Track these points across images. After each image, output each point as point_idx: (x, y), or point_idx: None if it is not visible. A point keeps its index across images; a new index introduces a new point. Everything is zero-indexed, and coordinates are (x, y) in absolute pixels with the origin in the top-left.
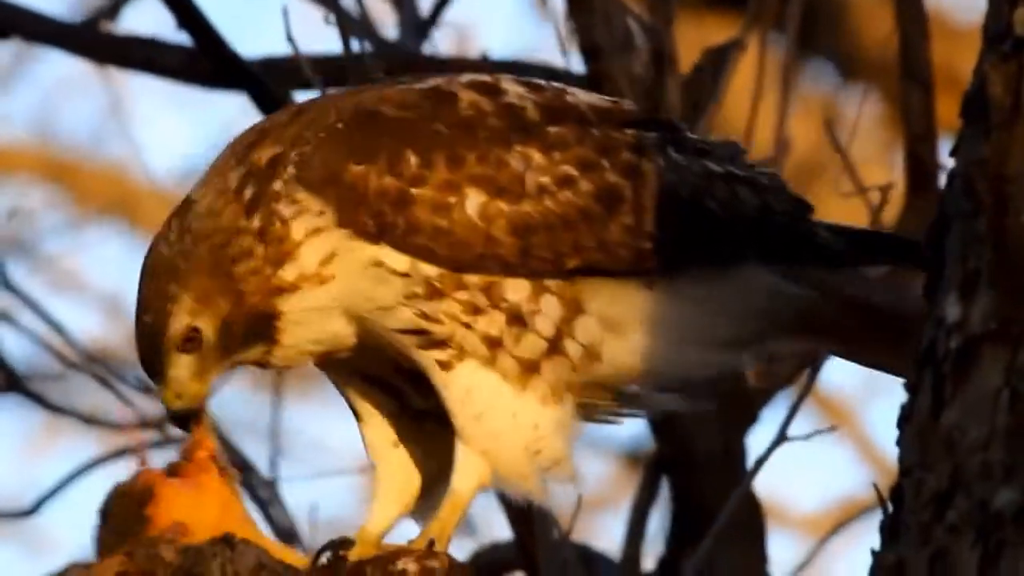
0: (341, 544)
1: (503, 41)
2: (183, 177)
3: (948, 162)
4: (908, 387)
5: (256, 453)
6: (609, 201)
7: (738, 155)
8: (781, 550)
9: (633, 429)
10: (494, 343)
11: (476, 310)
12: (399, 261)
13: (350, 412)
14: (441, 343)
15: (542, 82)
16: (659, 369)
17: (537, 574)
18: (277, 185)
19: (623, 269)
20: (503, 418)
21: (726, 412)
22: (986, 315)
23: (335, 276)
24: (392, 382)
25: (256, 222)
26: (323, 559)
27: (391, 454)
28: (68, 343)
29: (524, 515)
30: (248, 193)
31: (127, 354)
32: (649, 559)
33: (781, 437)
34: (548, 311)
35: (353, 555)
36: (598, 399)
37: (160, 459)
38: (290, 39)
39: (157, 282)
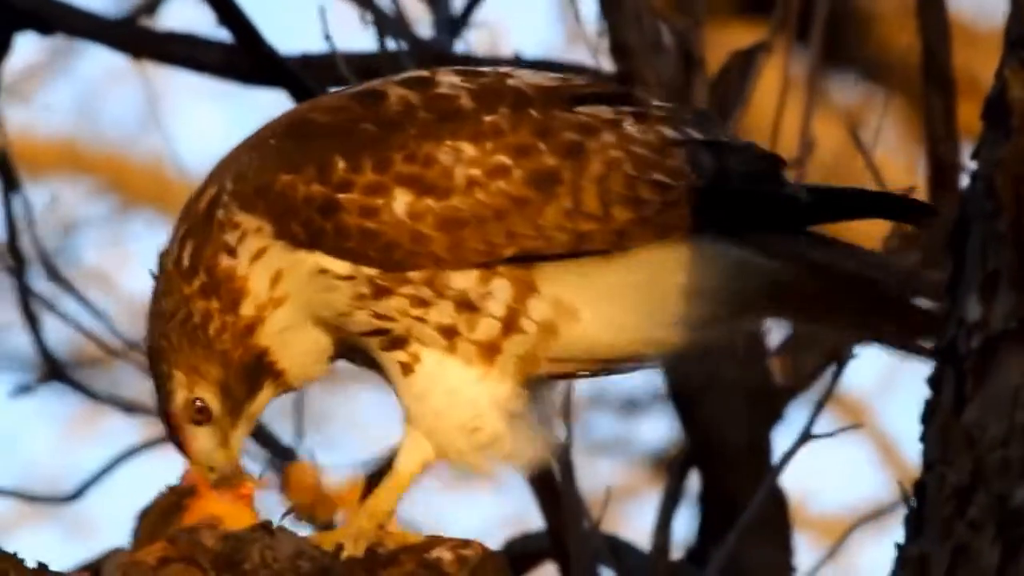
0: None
1: (536, 40)
2: None
3: (969, 164)
4: (931, 384)
5: (294, 439)
6: (545, 185)
7: (710, 122)
8: (802, 549)
9: (662, 425)
10: (449, 331)
11: (423, 303)
12: (340, 265)
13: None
14: (402, 341)
15: (485, 69)
16: (619, 346)
17: (568, 563)
18: (220, 214)
19: (562, 253)
20: (441, 397)
21: (752, 409)
22: (1006, 314)
23: (288, 294)
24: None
25: (196, 283)
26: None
27: None
28: (110, 332)
29: (555, 506)
30: (187, 254)
31: None
32: (677, 550)
33: (806, 435)
34: (498, 293)
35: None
36: (571, 368)
37: None
38: (327, 37)
39: (154, 368)
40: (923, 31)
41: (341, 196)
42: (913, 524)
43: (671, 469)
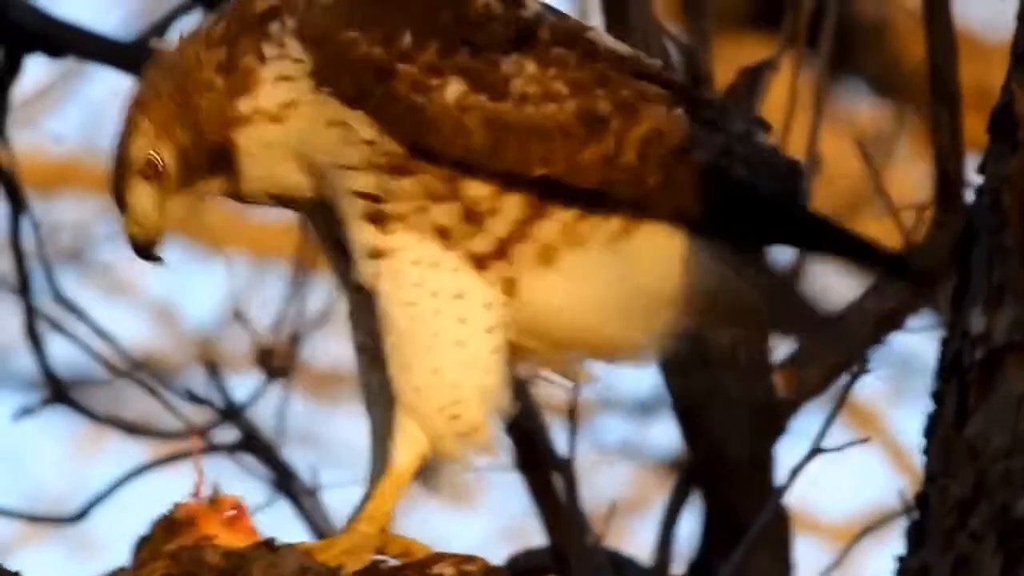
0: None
1: None
2: None
3: (975, 178)
4: (934, 397)
5: (298, 460)
6: (593, 125)
7: (757, 130)
8: (808, 556)
9: (664, 437)
10: (444, 232)
11: (433, 196)
12: (366, 130)
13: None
14: (384, 219)
15: (571, 16)
16: (583, 326)
17: None
18: (272, 27)
19: (588, 187)
20: (424, 373)
21: (755, 422)
22: (1010, 327)
23: (290, 119)
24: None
25: (220, 54)
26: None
27: (379, 433)
28: (115, 351)
29: (558, 521)
30: (219, 31)
31: (175, 362)
32: (680, 564)
33: (815, 449)
34: (507, 211)
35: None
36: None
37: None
38: None
39: (125, 115)
40: (930, 45)
41: (399, 65)
42: (915, 536)
43: (673, 483)
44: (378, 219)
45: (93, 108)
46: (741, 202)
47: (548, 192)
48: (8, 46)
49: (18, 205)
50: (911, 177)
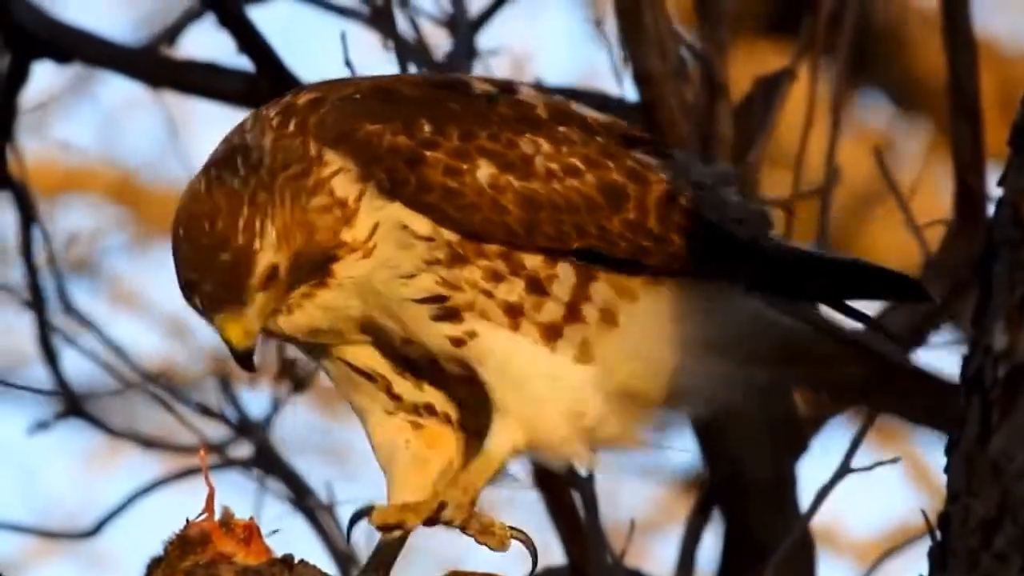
0: (366, 512)
1: (558, 67)
2: None
3: (996, 191)
4: (956, 415)
5: (315, 475)
6: (612, 196)
7: (730, 182)
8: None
9: (685, 456)
10: (515, 310)
11: (497, 276)
12: (421, 223)
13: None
14: (456, 313)
15: (547, 93)
16: (659, 359)
17: None
18: (312, 146)
19: (624, 258)
20: (544, 382)
21: (776, 440)
22: None
23: (376, 247)
24: (381, 372)
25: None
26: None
27: (401, 453)
28: (128, 365)
29: (578, 539)
30: (303, 129)
31: (189, 376)
32: None
33: (844, 469)
34: (564, 277)
35: (376, 520)
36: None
37: (220, 482)
38: (348, 64)
39: (235, 218)
40: (950, 58)
41: (427, 152)
42: (938, 557)
43: (694, 501)
44: (448, 316)
45: (105, 115)
46: (748, 255)
47: (591, 259)
48: (15, 52)
49: (29, 215)
50: (930, 187)
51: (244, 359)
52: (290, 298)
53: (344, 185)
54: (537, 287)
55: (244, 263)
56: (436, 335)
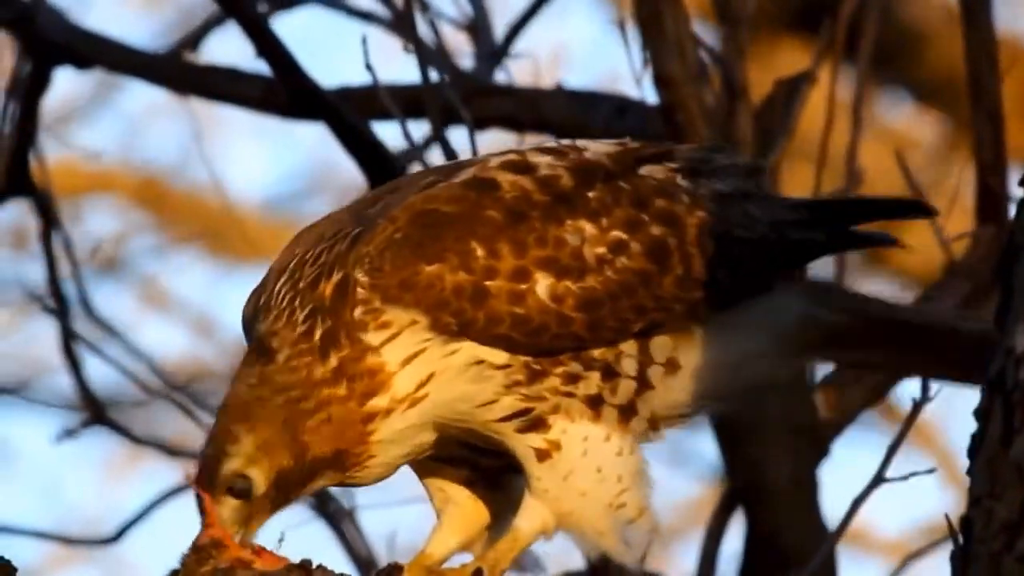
0: (393, 570)
1: (579, 70)
2: (263, 206)
3: (1018, 192)
4: (978, 416)
5: None
6: (659, 256)
7: (723, 153)
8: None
9: (707, 461)
10: (596, 401)
11: (574, 379)
12: (496, 355)
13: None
14: (542, 422)
15: (557, 145)
16: (720, 379)
17: None
18: (358, 312)
19: (679, 321)
20: (589, 475)
21: (797, 445)
22: None
23: (429, 395)
24: (465, 456)
25: (332, 361)
26: None
27: (457, 496)
28: (152, 372)
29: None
30: (319, 333)
31: (211, 381)
32: None
33: (878, 479)
34: (627, 348)
35: None
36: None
37: None
38: (368, 68)
39: (226, 419)
40: (971, 59)
41: (488, 283)
42: (960, 561)
43: (716, 506)
44: (534, 426)
45: (128, 120)
46: (784, 248)
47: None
48: (36, 58)
49: (51, 222)
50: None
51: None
52: (308, 491)
53: (392, 352)
54: (610, 372)
55: (212, 464)
56: (521, 448)
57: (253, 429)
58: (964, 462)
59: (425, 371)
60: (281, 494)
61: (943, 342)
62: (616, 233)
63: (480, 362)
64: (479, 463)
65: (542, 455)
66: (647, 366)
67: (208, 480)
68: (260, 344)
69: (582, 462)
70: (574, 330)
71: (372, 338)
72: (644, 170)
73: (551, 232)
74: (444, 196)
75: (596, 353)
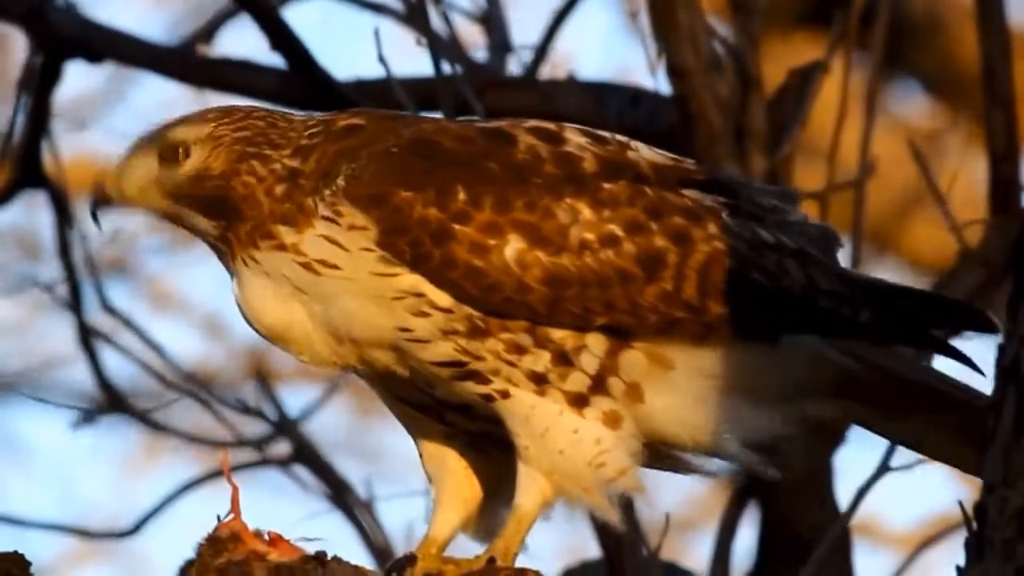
0: (408, 561)
1: (593, 61)
2: None
3: None
4: (991, 406)
5: (353, 473)
6: (650, 265)
7: (794, 201)
8: (872, 566)
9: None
10: (540, 378)
11: (520, 349)
12: (441, 296)
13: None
14: (477, 375)
15: (607, 135)
16: (694, 423)
17: None
18: (327, 193)
19: (648, 333)
20: (565, 434)
21: (813, 432)
22: None
23: (321, 276)
24: (431, 406)
25: (296, 162)
26: None
27: (449, 465)
28: (167, 364)
29: (613, 533)
30: (308, 137)
31: (227, 375)
32: None
33: (883, 468)
34: (594, 347)
35: (418, 572)
36: (654, 460)
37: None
38: (382, 61)
39: (204, 109)
40: (983, 48)
41: (456, 226)
42: (974, 547)
43: (730, 495)
44: (470, 377)
45: (141, 114)
46: (812, 312)
47: (621, 331)
48: (48, 52)
49: (65, 215)
50: (966, 177)
51: (96, 202)
52: (189, 224)
53: (340, 230)
54: (564, 359)
55: (164, 128)
56: (463, 392)
57: (219, 122)
58: None
59: (334, 260)
60: (187, 194)
61: (949, 409)
62: (614, 228)
63: (421, 295)
64: (449, 419)
65: (487, 398)
66: (609, 373)
67: (153, 134)
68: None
69: (559, 420)
70: (530, 300)
71: (321, 209)
72: (687, 192)
73: (544, 202)
74: (453, 132)
75: (555, 335)
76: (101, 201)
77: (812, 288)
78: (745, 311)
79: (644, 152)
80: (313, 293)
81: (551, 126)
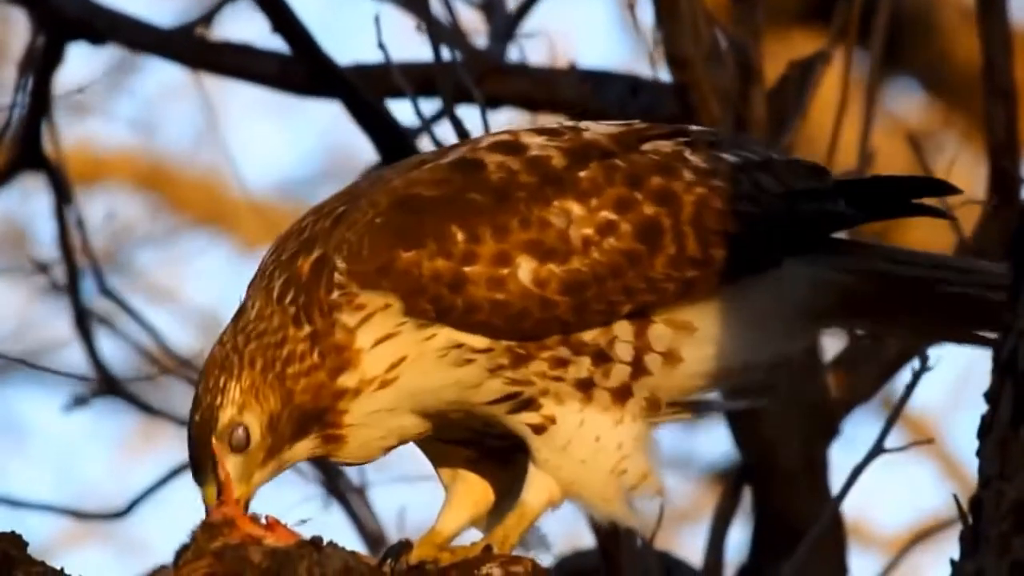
0: (403, 547)
1: (593, 50)
2: (277, 187)
3: None
4: (988, 398)
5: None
6: (650, 236)
7: (750, 142)
8: (863, 566)
9: (716, 441)
10: (586, 384)
11: (562, 362)
12: (476, 339)
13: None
14: (532, 402)
15: (555, 126)
16: (728, 364)
17: None
18: (334, 294)
19: (669, 303)
20: (587, 444)
21: (808, 424)
22: None
23: (400, 377)
24: (473, 439)
25: (306, 329)
26: (386, 567)
27: (464, 471)
28: (163, 349)
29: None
30: (292, 303)
31: None
32: (731, 568)
33: (878, 448)
34: (622, 335)
35: (413, 557)
36: (675, 413)
37: None
38: (381, 47)
39: (208, 379)
40: (984, 42)
41: (467, 269)
42: (969, 540)
43: (725, 486)
44: (525, 407)
45: (143, 100)
46: (798, 219)
47: (642, 312)
48: (50, 33)
49: (64, 197)
50: (962, 174)
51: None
52: (299, 454)
53: (365, 334)
54: (602, 357)
55: (207, 422)
56: (516, 424)
57: (235, 376)
58: (961, 461)
59: (398, 353)
60: (276, 442)
61: (960, 290)
62: (605, 214)
63: (460, 346)
64: (485, 443)
65: (538, 429)
66: (644, 353)
67: (207, 438)
68: (238, 309)
69: (579, 432)
70: (558, 314)
71: (347, 318)
72: (648, 146)
73: (536, 214)
74: (426, 180)
75: (587, 337)
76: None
77: (790, 192)
78: (747, 242)
79: (597, 128)
80: (403, 400)
81: (506, 137)
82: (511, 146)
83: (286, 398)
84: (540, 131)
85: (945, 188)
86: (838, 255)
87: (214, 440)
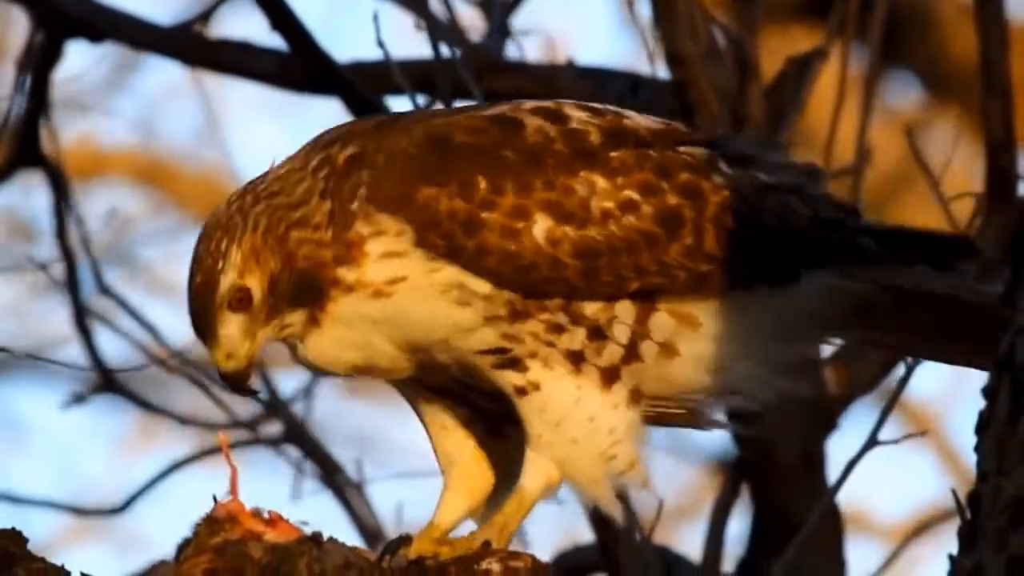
0: (402, 541)
1: (591, 48)
2: None
3: None
4: (986, 394)
5: (343, 455)
6: (670, 223)
7: (781, 152)
8: (861, 558)
9: (715, 436)
10: (577, 357)
11: (557, 328)
12: (480, 284)
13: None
14: (518, 362)
15: (600, 106)
16: (726, 367)
17: None
18: (354, 205)
19: (678, 292)
20: (581, 424)
21: (806, 418)
22: None
23: (395, 295)
24: (457, 391)
25: (329, 205)
26: (385, 562)
27: (461, 455)
28: (162, 345)
29: (606, 518)
30: (325, 180)
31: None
32: (729, 562)
33: (872, 441)
34: (623, 316)
35: (412, 551)
36: (670, 407)
37: (251, 459)
38: (380, 44)
39: (210, 241)
40: (981, 38)
41: (484, 215)
42: (967, 535)
43: (723, 480)
44: (510, 365)
45: (144, 98)
46: (820, 245)
47: (649, 296)
48: (49, 30)
49: (62, 194)
50: (959, 170)
51: (233, 383)
52: (290, 325)
53: (374, 245)
54: (598, 333)
55: (208, 287)
56: (501, 381)
57: (236, 240)
58: (961, 452)
59: (401, 272)
60: (277, 302)
61: (965, 315)
62: (629, 193)
63: (462, 287)
64: (474, 402)
65: (520, 391)
66: (640, 339)
67: (210, 302)
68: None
69: (574, 410)
70: (567, 275)
71: (362, 227)
72: (683, 149)
73: (561, 179)
74: (465, 125)
75: (588, 310)
76: (239, 384)
77: (817, 220)
78: (766, 253)
79: (638, 119)
80: (389, 318)
81: (550, 105)
82: (553, 114)
83: (286, 259)
84: (584, 107)
85: (970, 249)
86: (852, 270)
87: (215, 299)
